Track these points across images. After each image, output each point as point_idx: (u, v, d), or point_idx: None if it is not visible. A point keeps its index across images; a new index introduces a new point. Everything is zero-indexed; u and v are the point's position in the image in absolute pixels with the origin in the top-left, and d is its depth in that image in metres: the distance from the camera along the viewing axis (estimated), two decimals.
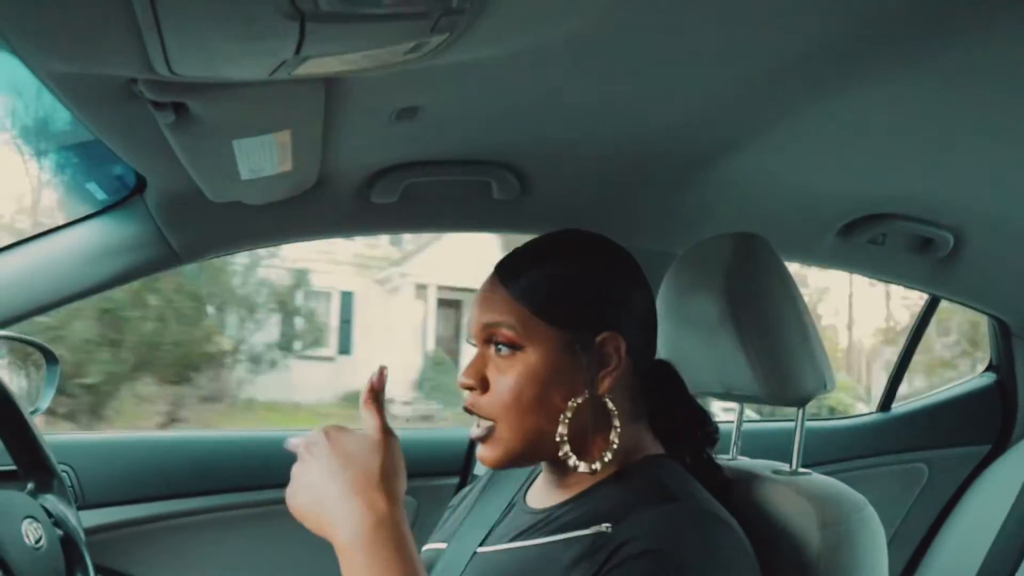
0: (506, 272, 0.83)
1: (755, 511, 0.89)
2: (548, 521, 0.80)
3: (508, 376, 0.80)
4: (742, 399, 1.05)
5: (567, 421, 0.79)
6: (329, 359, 10.27)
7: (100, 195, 1.31)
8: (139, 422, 7.26)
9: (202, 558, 1.49)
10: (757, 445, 1.15)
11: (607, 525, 0.74)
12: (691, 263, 1.02)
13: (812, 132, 1.19)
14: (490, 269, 0.86)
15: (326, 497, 0.70)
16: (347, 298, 10.70)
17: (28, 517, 1.02)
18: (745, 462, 1.02)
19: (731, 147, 1.26)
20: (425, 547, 0.93)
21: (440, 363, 10.20)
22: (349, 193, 1.32)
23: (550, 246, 0.86)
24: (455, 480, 1.65)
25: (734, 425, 1.11)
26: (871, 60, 0.95)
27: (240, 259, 8.48)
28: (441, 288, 10.67)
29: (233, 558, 1.51)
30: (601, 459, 0.79)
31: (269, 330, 9.21)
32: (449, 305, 10.84)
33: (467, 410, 0.83)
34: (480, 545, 0.85)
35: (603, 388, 0.80)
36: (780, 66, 0.98)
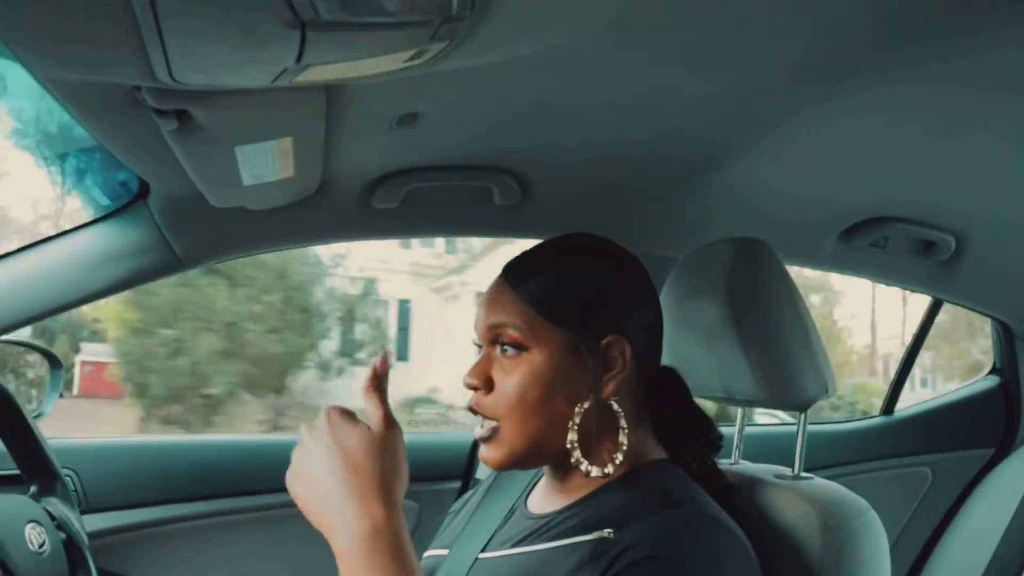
0: (514, 274, 0.84)
1: (757, 515, 0.89)
2: (550, 526, 0.80)
3: (513, 377, 0.80)
4: (743, 403, 1.05)
5: (576, 428, 0.79)
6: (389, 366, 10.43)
7: (103, 200, 1.32)
8: (245, 427, 7.34)
9: (205, 562, 1.49)
10: (759, 449, 1.15)
11: (609, 531, 0.74)
12: (692, 268, 1.02)
13: (813, 136, 1.19)
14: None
15: (325, 492, 0.70)
16: (404, 306, 10.84)
17: (31, 521, 1.02)
18: (747, 466, 1.02)
19: (732, 151, 1.26)
20: (426, 554, 0.93)
21: None
22: (351, 198, 1.33)
23: (558, 249, 0.86)
24: (457, 484, 1.65)
25: (736, 429, 1.12)
26: (871, 63, 0.95)
27: (311, 269, 8.63)
28: None
29: (236, 562, 1.51)
30: (612, 461, 0.79)
31: (336, 338, 9.34)
32: None
33: (471, 410, 0.83)
34: (482, 551, 0.85)
35: (607, 391, 0.80)
36: (780, 70, 0.98)
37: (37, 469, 1.14)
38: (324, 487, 0.70)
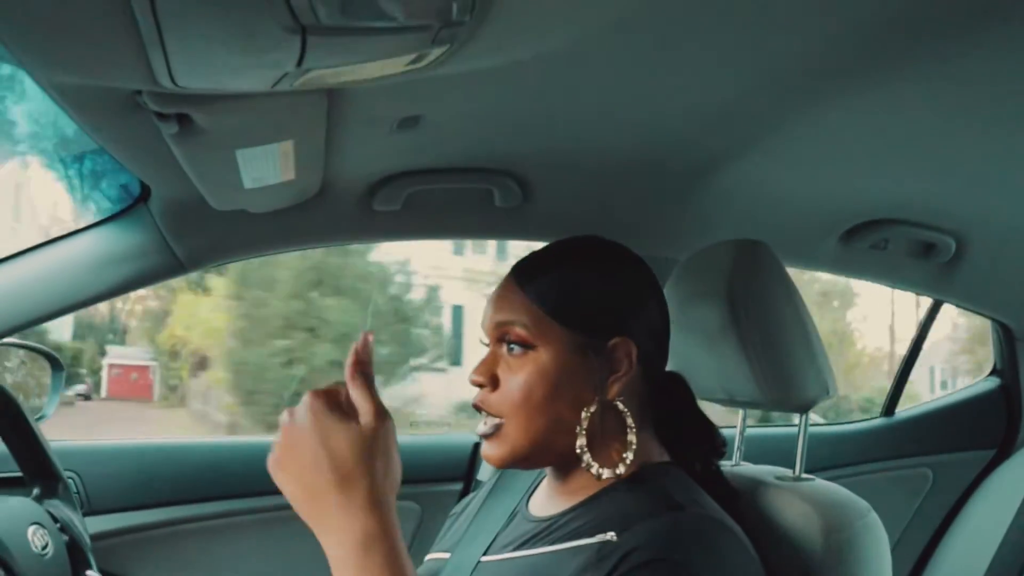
0: (523, 273, 0.84)
1: (758, 517, 0.89)
2: (552, 529, 0.80)
3: (519, 375, 0.80)
4: (744, 405, 1.05)
5: (583, 433, 0.79)
6: (442, 370, 10.52)
7: (104, 204, 1.32)
8: None
9: (208, 564, 1.50)
10: (760, 450, 1.15)
11: (612, 534, 0.73)
12: (693, 270, 1.03)
13: (813, 138, 1.19)
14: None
15: (312, 493, 0.68)
16: (457, 311, 10.92)
17: (34, 523, 1.03)
18: (748, 468, 1.02)
19: (732, 154, 1.26)
20: (428, 557, 0.94)
21: None
22: (352, 201, 1.33)
23: (567, 250, 0.86)
24: (459, 486, 1.65)
25: (737, 430, 1.12)
26: (871, 66, 0.95)
27: (404, 278, 8.75)
28: None
29: (239, 563, 1.52)
30: (623, 461, 0.79)
31: (398, 342, 9.43)
32: None
33: (476, 407, 0.83)
34: (484, 554, 0.85)
35: (611, 393, 0.80)
36: (781, 73, 0.98)
37: (40, 471, 1.14)
38: (311, 487, 0.68)
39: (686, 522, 0.73)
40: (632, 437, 0.80)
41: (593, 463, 0.79)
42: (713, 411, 0.95)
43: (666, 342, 0.87)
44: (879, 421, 2.03)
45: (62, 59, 0.69)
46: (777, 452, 1.09)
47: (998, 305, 1.90)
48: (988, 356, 2.13)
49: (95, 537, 1.21)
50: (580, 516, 0.79)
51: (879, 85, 1.00)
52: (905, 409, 2.06)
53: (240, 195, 1.12)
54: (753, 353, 0.93)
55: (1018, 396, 2.02)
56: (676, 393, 0.89)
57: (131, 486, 1.45)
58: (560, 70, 0.93)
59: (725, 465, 0.97)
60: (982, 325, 2.09)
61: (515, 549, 0.82)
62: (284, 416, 0.70)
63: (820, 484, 0.94)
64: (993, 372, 2.09)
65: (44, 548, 1.01)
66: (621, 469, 0.79)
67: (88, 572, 1.08)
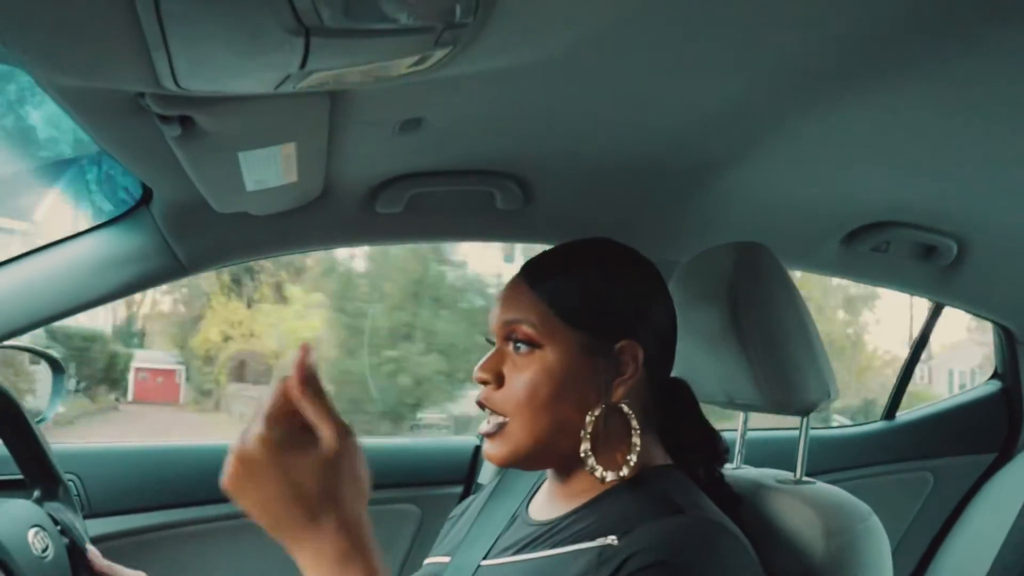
0: (532, 273, 0.84)
1: (759, 520, 0.89)
2: (553, 533, 0.80)
3: (525, 373, 0.80)
4: (746, 408, 1.05)
5: (588, 436, 0.79)
6: None
7: (106, 206, 1.32)
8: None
9: (207, 566, 1.49)
10: (761, 453, 1.15)
11: (613, 537, 0.73)
12: (694, 272, 1.03)
13: (815, 141, 1.19)
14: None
15: (276, 520, 0.66)
16: None
17: (34, 526, 1.02)
18: (749, 471, 1.02)
19: (734, 157, 1.26)
20: (427, 560, 0.93)
21: None
22: (354, 203, 1.33)
23: (577, 252, 0.86)
24: (459, 489, 1.65)
25: (738, 433, 1.12)
26: (872, 69, 0.95)
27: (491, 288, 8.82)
28: None
29: (238, 566, 1.51)
30: (627, 464, 0.79)
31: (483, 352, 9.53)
32: None
33: (480, 405, 0.83)
34: (484, 558, 0.85)
35: (616, 396, 0.80)
36: (782, 76, 0.98)
37: (40, 474, 1.14)
38: (277, 518, 0.66)
39: (687, 525, 0.73)
40: (636, 438, 0.80)
41: (597, 466, 0.79)
42: (713, 412, 0.95)
43: (672, 346, 0.87)
44: (880, 424, 2.03)
45: (65, 61, 0.69)
46: (778, 455, 1.09)
47: (999, 308, 1.90)
48: None
49: (96, 540, 1.21)
50: (581, 519, 0.79)
51: (880, 87, 1.00)
52: (906, 412, 2.05)
53: (242, 197, 1.12)
54: (754, 356, 0.93)
55: (1019, 399, 2.02)
56: (680, 398, 0.89)
57: (132, 489, 1.45)
58: (561, 72, 0.93)
59: (726, 468, 0.97)
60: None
61: (516, 553, 0.82)
62: (236, 444, 0.65)
63: (821, 487, 0.94)
64: (994, 375, 2.09)
65: (44, 551, 1.01)
66: (624, 471, 0.79)
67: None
